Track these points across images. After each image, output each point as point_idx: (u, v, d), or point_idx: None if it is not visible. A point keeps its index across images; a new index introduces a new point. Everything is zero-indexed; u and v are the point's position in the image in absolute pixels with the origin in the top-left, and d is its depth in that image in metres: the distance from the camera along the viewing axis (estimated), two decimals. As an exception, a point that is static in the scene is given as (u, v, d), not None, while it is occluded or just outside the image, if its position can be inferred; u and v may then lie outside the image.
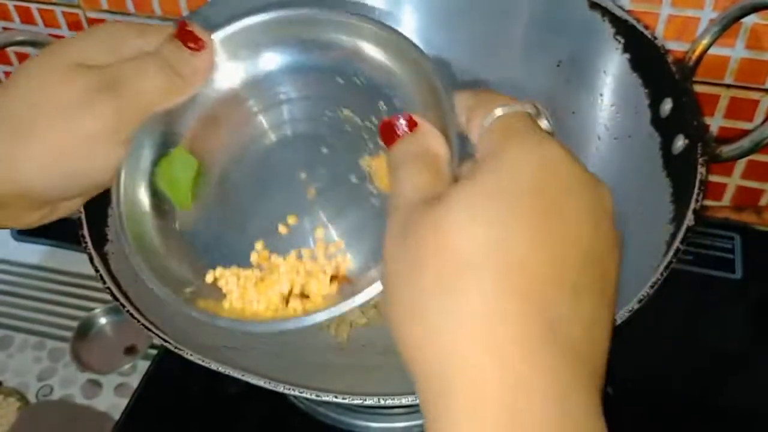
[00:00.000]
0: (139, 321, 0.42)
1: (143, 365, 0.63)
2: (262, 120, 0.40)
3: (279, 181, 0.40)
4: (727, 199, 0.67)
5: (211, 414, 0.57)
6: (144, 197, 0.39)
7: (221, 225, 0.39)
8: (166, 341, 0.40)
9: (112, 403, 0.62)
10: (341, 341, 0.54)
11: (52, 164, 0.34)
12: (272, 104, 0.40)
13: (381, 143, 0.32)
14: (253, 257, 0.38)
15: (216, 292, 0.37)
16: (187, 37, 0.36)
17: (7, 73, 0.81)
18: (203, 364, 0.39)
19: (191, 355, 0.40)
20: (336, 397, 0.37)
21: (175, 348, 0.40)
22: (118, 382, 0.63)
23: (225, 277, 0.37)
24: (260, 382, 0.38)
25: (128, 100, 0.34)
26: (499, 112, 0.28)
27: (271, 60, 0.40)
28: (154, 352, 0.63)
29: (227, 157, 0.40)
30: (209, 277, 0.38)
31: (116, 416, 0.59)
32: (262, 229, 0.39)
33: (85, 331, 0.67)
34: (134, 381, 0.62)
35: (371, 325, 0.55)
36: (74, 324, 0.67)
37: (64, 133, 0.33)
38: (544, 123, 0.28)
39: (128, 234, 0.37)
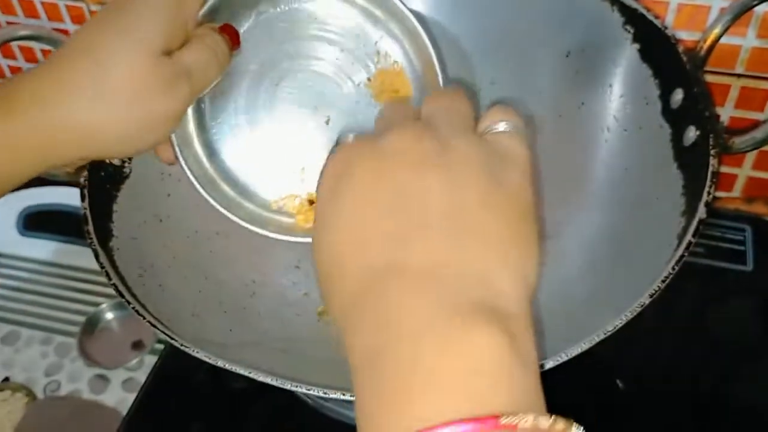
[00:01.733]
0: (144, 317, 0.41)
1: (150, 360, 0.63)
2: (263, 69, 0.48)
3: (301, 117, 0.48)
4: (738, 190, 0.66)
5: (219, 409, 0.57)
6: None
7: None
8: (171, 338, 0.40)
9: (120, 398, 0.61)
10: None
11: (131, 135, 0.38)
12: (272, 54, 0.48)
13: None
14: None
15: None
16: (232, 36, 0.43)
17: (12, 68, 0.81)
18: (209, 360, 0.39)
19: (197, 352, 0.39)
20: (344, 395, 0.37)
21: (181, 345, 0.40)
22: (125, 377, 0.63)
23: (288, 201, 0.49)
24: (267, 379, 0.38)
25: (197, 85, 0.40)
26: (502, 126, 0.31)
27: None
28: (161, 347, 0.63)
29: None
30: (275, 205, 0.49)
31: (124, 411, 0.59)
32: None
33: (92, 326, 0.67)
34: (141, 376, 0.62)
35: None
36: (81, 319, 0.67)
37: (147, 111, 0.38)
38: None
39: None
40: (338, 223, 0.28)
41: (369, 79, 0.47)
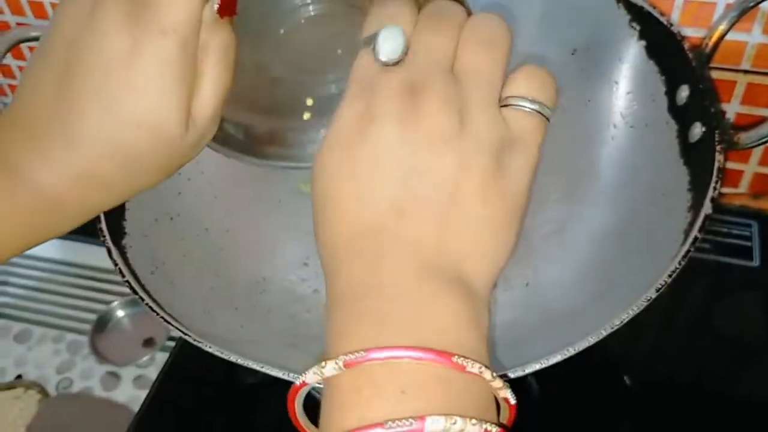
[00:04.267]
0: (158, 314, 0.42)
1: (161, 357, 0.63)
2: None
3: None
4: (744, 186, 0.66)
5: (230, 405, 0.57)
6: None
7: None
8: (185, 334, 0.41)
9: (131, 395, 0.62)
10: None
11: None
12: None
13: None
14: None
15: None
16: (230, 6, 0.33)
17: (21, 69, 0.82)
18: (222, 356, 0.39)
19: (210, 347, 0.40)
20: (354, 389, 0.37)
21: (194, 340, 0.40)
22: (136, 374, 0.63)
23: None
24: (278, 374, 0.39)
25: (219, 113, 0.36)
26: (527, 106, 0.31)
27: None
28: (172, 344, 0.64)
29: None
30: None
31: (135, 408, 0.60)
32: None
33: (103, 323, 0.67)
34: (152, 373, 0.63)
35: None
36: (93, 317, 0.67)
37: (174, 171, 0.38)
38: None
39: None
40: (352, 171, 0.30)
41: None
